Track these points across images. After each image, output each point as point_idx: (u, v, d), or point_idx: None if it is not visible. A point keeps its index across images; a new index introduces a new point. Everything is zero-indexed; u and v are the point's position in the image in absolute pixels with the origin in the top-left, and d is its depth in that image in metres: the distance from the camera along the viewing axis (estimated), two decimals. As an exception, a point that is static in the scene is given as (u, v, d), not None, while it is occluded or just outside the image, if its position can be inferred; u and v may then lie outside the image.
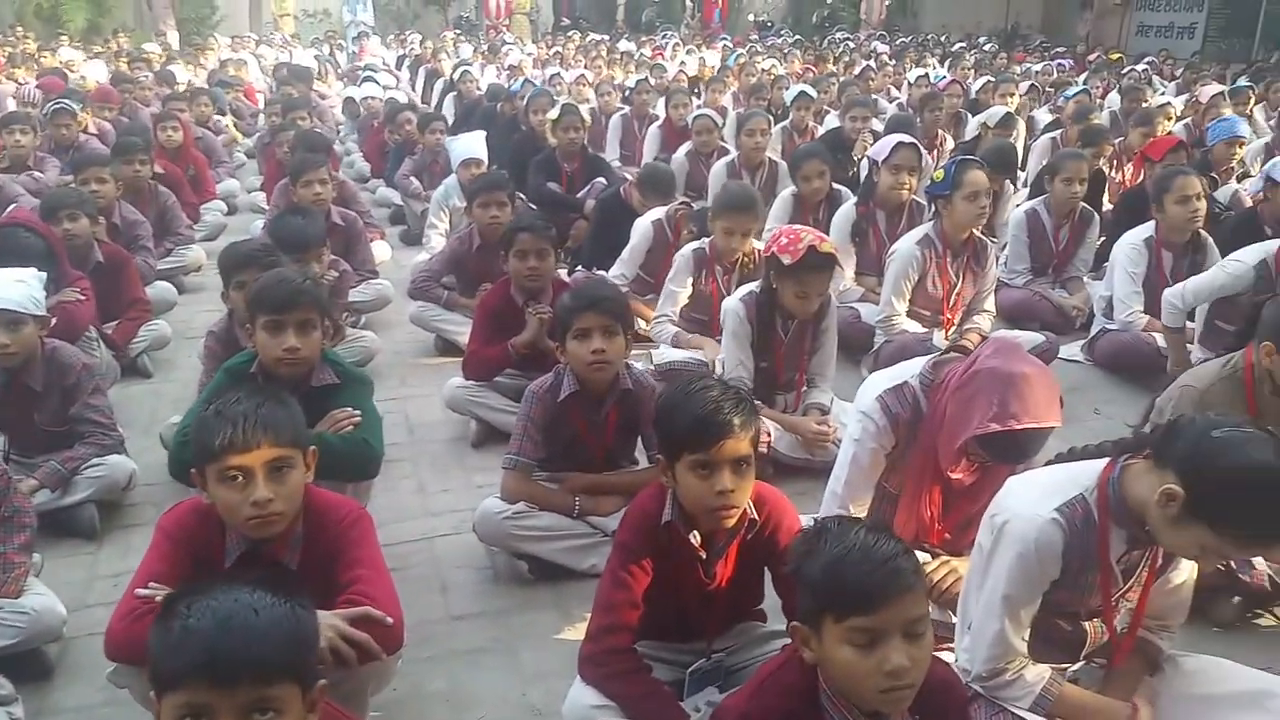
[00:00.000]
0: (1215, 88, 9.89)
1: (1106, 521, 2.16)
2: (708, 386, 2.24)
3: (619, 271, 5.00)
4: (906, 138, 5.10)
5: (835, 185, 5.69)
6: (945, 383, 2.61)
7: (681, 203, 5.01)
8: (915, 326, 4.53)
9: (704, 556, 2.33)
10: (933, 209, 4.48)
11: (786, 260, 3.53)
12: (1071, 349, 5.10)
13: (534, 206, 6.33)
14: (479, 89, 10.06)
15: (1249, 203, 6.04)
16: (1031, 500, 2.19)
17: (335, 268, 4.50)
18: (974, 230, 4.45)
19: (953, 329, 4.59)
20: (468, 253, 4.85)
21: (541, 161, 6.66)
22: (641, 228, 4.95)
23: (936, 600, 2.70)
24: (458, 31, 20.09)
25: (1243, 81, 12.11)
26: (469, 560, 3.30)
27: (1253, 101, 9.96)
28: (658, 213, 4.99)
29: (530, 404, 3.10)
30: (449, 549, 3.39)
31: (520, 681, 2.75)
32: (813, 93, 8.28)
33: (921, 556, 2.76)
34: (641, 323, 4.99)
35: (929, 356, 2.77)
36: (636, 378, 3.15)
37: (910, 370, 2.78)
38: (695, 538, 2.31)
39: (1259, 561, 2.90)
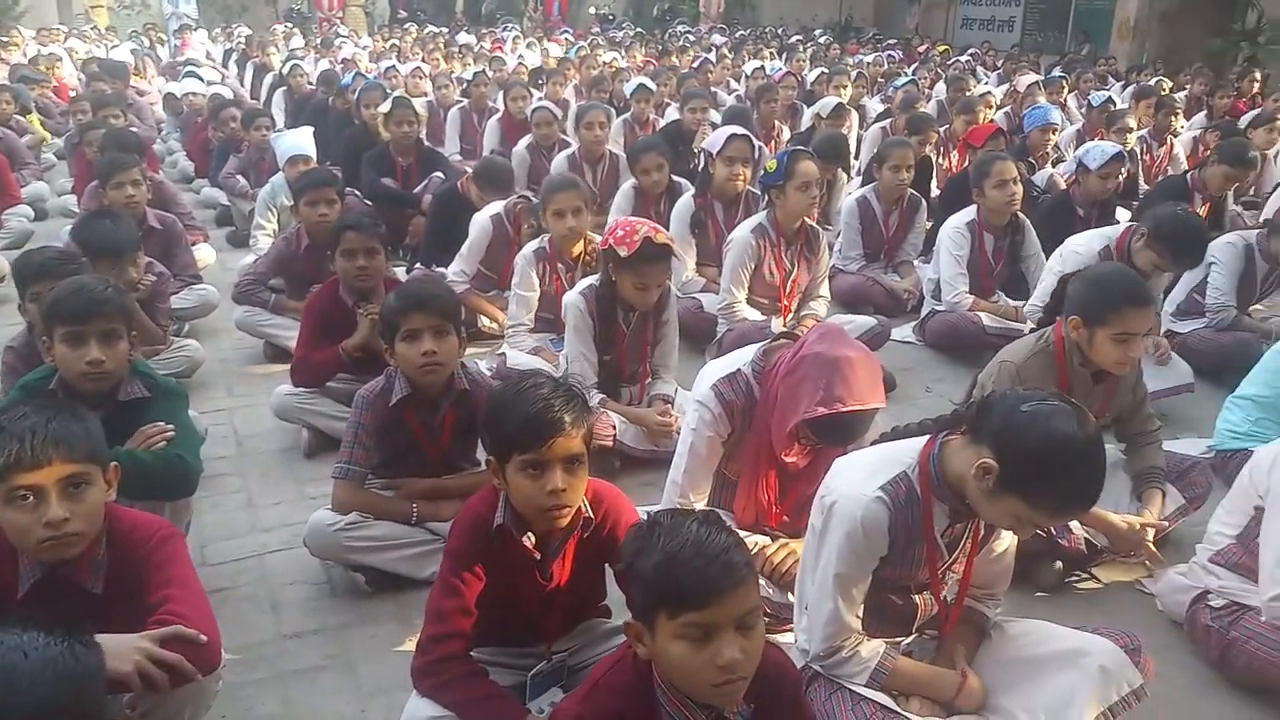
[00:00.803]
0: (1031, 77, 10.43)
1: (929, 497, 2.22)
2: (537, 384, 2.19)
3: (459, 268, 4.89)
4: (739, 130, 5.17)
5: (675, 178, 5.72)
6: (775, 369, 2.64)
7: (520, 197, 4.93)
8: (755, 314, 4.59)
9: (539, 558, 2.29)
10: (766, 199, 4.55)
11: (623, 252, 3.52)
12: (903, 330, 5.28)
13: (369, 203, 6.15)
14: (310, 83, 9.70)
15: (1063, 185, 6.39)
16: (857, 480, 2.23)
17: (152, 272, 4.24)
18: (806, 219, 4.54)
19: (790, 315, 4.68)
20: (295, 253, 4.65)
21: (375, 157, 6.47)
22: (480, 223, 4.86)
23: (777, 582, 2.74)
24: (289, 24, 19.34)
25: (1056, 72, 12.85)
26: (303, 576, 3.16)
27: (1065, 90, 10.56)
28: (496, 207, 4.90)
29: (360, 409, 2.98)
30: (281, 565, 3.23)
31: (359, 698, 2.64)
32: (652, 85, 8.32)
33: (761, 539, 2.82)
34: (485, 320, 4.92)
35: (760, 344, 2.80)
36: (473, 377, 3.07)
37: (743, 358, 2.81)
38: (529, 540, 2.26)
39: (1075, 526, 3.06)
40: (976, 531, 2.33)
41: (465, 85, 8.90)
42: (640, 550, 1.72)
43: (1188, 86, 12.29)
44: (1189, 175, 6.31)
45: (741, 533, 2.80)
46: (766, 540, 2.81)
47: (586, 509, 2.27)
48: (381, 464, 3.07)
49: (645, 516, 1.89)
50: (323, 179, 4.59)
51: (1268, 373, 3.66)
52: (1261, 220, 5.78)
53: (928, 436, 2.28)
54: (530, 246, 4.33)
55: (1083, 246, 4.35)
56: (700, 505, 2.81)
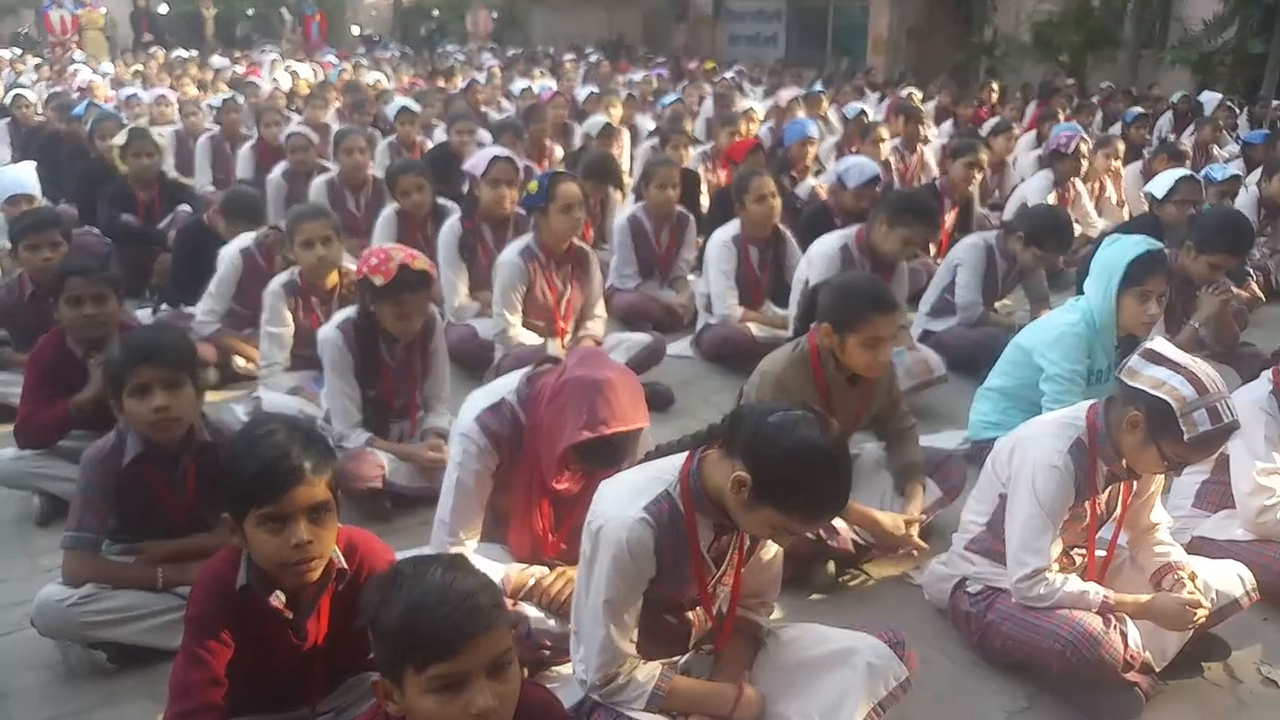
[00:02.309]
0: (792, 92, 10.90)
1: (693, 513, 2.22)
2: (272, 431, 2.04)
3: (207, 307, 4.57)
4: (503, 151, 5.10)
5: (441, 200, 5.59)
6: (540, 396, 2.58)
7: (272, 227, 4.66)
8: (532, 338, 4.53)
9: (291, 617, 2.12)
10: (532, 220, 4.50)
11: (379, 281, 3.37)
12: (681, 345, 5.35)
13: (110, 241, 5.68)
14: (38, 114, 8.91)
15: (823, 196, 6.67)
16: (620, 503, 2.21)
17: None
18: (574, 239, 4.52)
19: (568, 337, 4.64)
20: (19, 302, 4.20)
21: (113, 192, 5.97)
22: (228, 257, 4.56)
23: (556, 612, 2.67)
24: (17, 51, 17.75)
25: (817, 86, 13.50)
26: (37, 660, 2.84)
27: (826, 103, 11.10)
28: (246, 239, 4.62)
29: (89, 471, 2.70)
30: (10, 650, 2.89)
31: (102, 792, 2.39)
32: (416, 107, 8.14)
33: (539, 570, 2.75)
34: (240, 360, 4.63)
35: (522, 371, 2.74)
36: (215, 427, 2.85)
37: (507, 386, 2.73)
38: (278, 599, 2.09)
39: (843, 527, 3.15)
40: (742, 543, 2.34)
41: (216, 112, 8.41)
42: (382, 603, 1.61)
43: (936, 97, 13.19)
44: (937, 181, 6.74)
45: (518, 565, 2.74)
46: (545, 570, 2.75)
47: (339, 559, 2.13)
48: (121, 527, 2.80)
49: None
50: (44, 219, 4.18)
51: (1010, 364, 3.92)
52: (1001, 221, 6.23)
53: (688, 452, 2.28)
54: (279, 280, 4.09)
55: (824, 247, 4.56)
56: (472, 543, 2.71)
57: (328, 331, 3.56)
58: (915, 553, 3.21)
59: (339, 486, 2.12)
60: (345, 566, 2.14)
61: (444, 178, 6.34)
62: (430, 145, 7.82)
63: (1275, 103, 13.37)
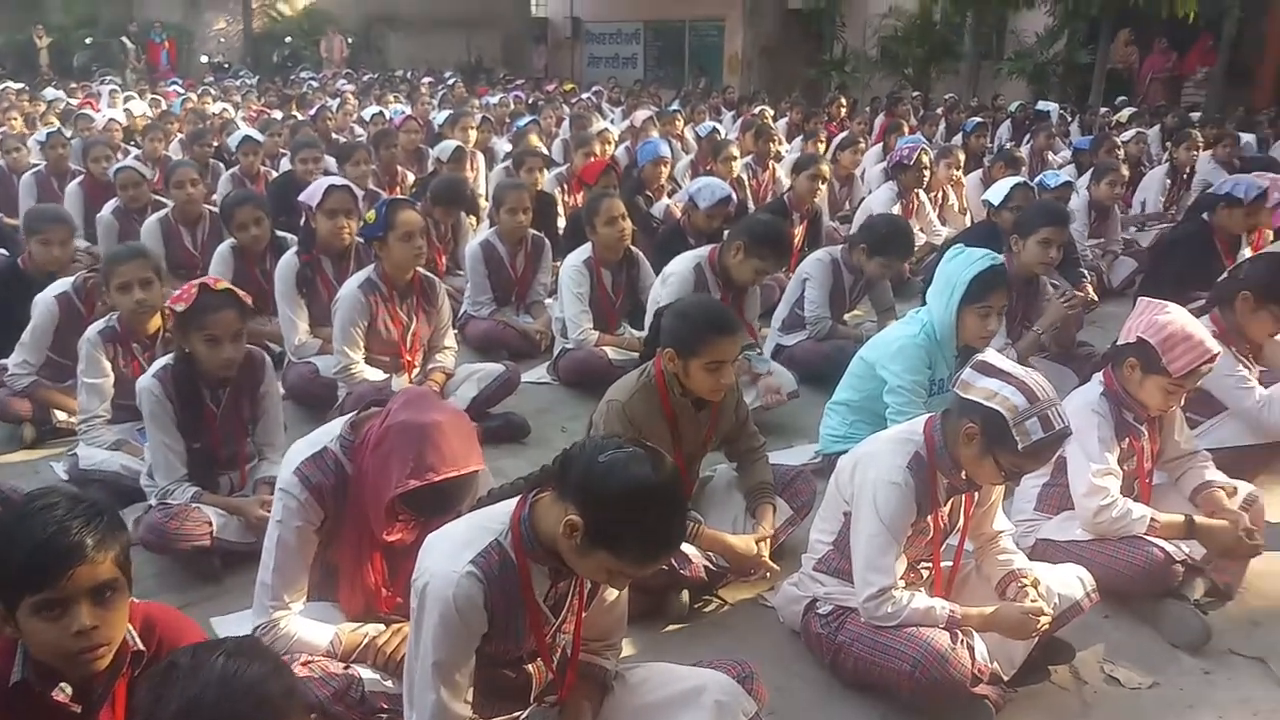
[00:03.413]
0: (646, 112, 10.93)
1: (525, 562, 2.12)
2: (49, 505, 1.84)
3: (21, 359, 4.23)
4: (339, 180, 4.91)
5: (281, 233, 5.35)
6: (365, 442, 2.44)
7: (92, 270, 4.36)
8: (376, 374, 4.35)
9: (80, 710, 1.92)
10: (373, 251, 4.33)
11: (181, 308, 3.18)
12: (538, 371, 5.25)
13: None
14: None
15: (678, 215, 6.67)
16: (447, 556, 2.09)
17: None
18: (418, 269, 4.37)
19: (416, 371, 4.49)
20: None
21: (-86, 238, 5.55)
22: (43, 303, 4.22)
23: (394, 671, 2.52)
24: None
25: (673, 105, 13.62)
26: None
27: (682, 123, 11.17)
28: (64, 284, 4.30)
29: None
30: None
31: None
32: (259, 137, 7.83)
33: (374, 628, 2.60)
34: (61, 414, 4.31)
35: (346, 417, 2.59)
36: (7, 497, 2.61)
37: (329, 433, 2.57)
38: (64, 691, 1.89)
39: (695, 554, 3.09)
40: (581, 588, 2.25)
41: (41, 147, 7.92)
42: (156, 701, 1.45)
43: (788, 114, 13.46)
44: (786, 195, 6.83)
45: (350, 625, 2.58)
46: (379, 628, 2.59)
47: (134, 641, 1.94)
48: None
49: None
50: None
51: (855, 377, 3.95)
52: (846, 236, 6.33)
53: (520, 497, 2.18)
54: (95, 327, 3.81)
55: (677, 268, 4.56)
56: (298, 605, 2.54)
57: (144, 381, 3.31)
58: (769, 574, 3.18)
59: (160, 549, 1.94)
60: (142, 648, 1.95)
61: (287, 209, 6.09)
62: (275, 175, 7.52)
63: (1103, 110, 14.11)
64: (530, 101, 14.95)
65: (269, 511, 3.26)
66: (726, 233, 5.01)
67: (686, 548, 3.03)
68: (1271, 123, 13.09)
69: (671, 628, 3.10)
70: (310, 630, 2.50)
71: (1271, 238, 5.58)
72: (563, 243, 6.34)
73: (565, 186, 7.60)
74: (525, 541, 2.10)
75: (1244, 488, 3.29)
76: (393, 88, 16.73)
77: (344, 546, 2.57)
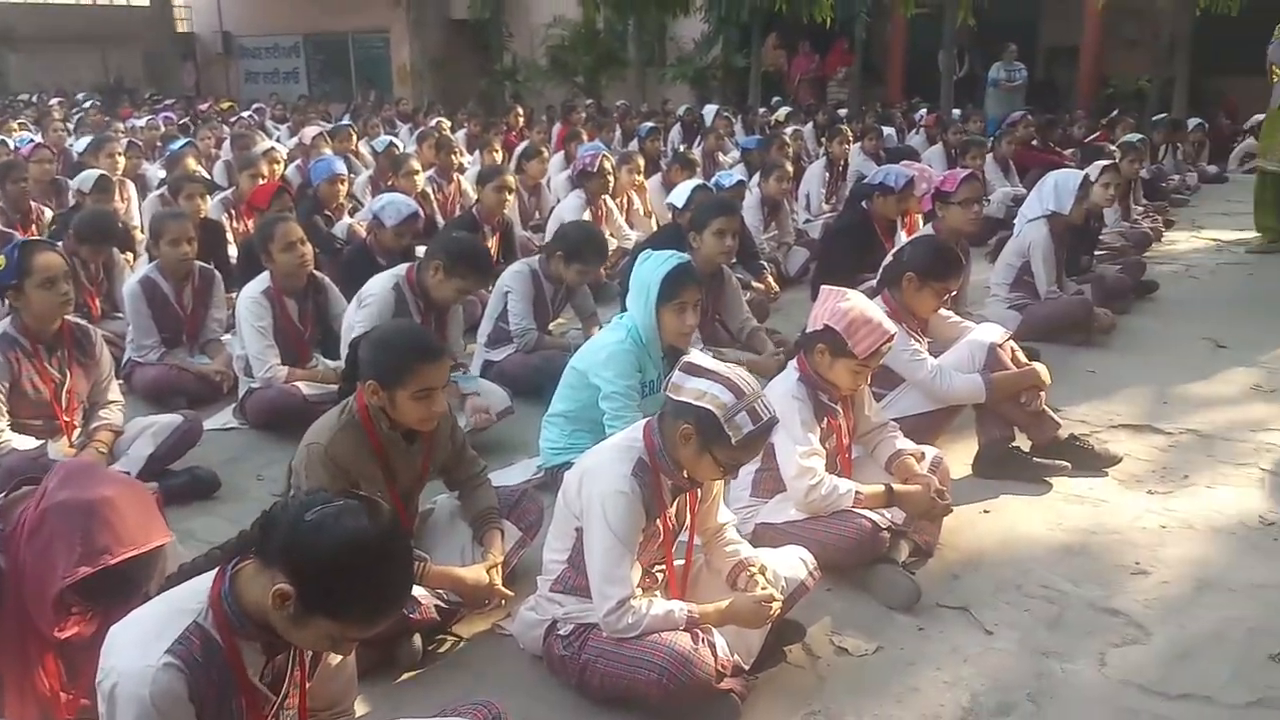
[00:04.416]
0: (315, 129, 10.41)
1: (233, 642, 1.87)
2: None
3: None
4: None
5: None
6: (18, 530, 2.07)
7: None
8: (27, 441, 3.78)
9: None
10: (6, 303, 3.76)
11: None
12: (223, 416, 4.80)
13: None
14: None
15: (362, 234, 6.36)
16: (137, 649, 1.81)
17: None
18: (66, 317, 3.85)
19: (77, 432, 3.94)
20: None
21: None
22: None
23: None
24: None
25: (345, 120, 13.08)
26: None
27: (355, 138, 10.73)
28: None
29: None
30: None
31: None
32: None
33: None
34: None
35: (-4, 499, 2.19)
36: None
37: (-29, 523, 2.16)
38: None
39: (423, 594, 2.91)
40: (302, 657, 2.03)
41: None
42: None
43: (466, 125, 13.33)
44: (475, 209, 6.70)
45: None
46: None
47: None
48: None
49: None
50: None
51: (569, 387, 3.90)
52: (541, 244, 6.32)
53: (217, 569, 1.92)
54: None
55: (375, 289, 4.36)
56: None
57: None
58: (504, 602, 3.06)
59: None
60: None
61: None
62: None
63: (762, 110, 15.13)
64: (183, 122, 13.86)
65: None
66: (422, 251, 4.82)
67: (415, 589, 2.84)
68: (904, 115, 14.61)
69: (406, 676, 2.90)
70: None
71: (922, 221, 6.14)
72: (236, 273, 5.85)
73: (233, 212, 7.05)
74: (230, 619, 1.85)
75: (929, 451, 3.56)
76: (15, 113, 14.90)
77: (5, 652, 2.18)
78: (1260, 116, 9.50)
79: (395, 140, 9.44)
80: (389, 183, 7.71)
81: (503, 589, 3.02)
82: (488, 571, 2.99)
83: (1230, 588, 3.27)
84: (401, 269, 4.44)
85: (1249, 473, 4.09)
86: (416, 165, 7.66)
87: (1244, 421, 4.60)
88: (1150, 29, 17.27)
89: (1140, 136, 9.23)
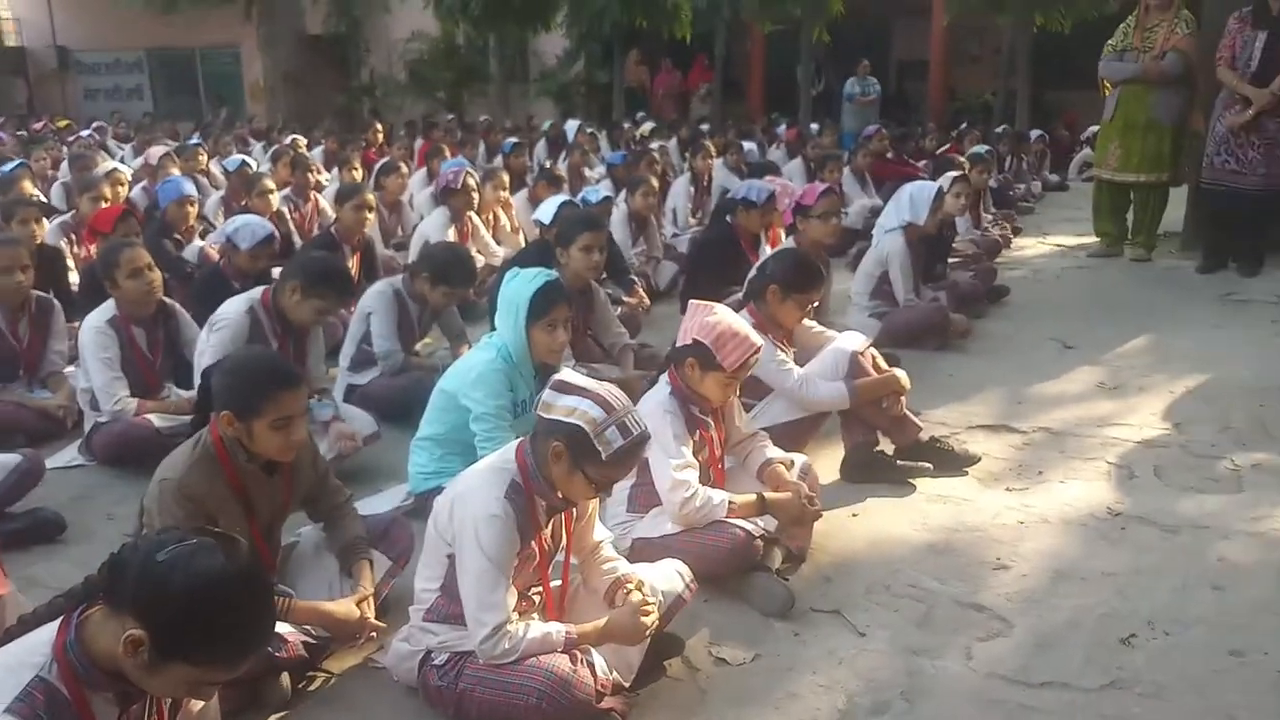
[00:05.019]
0: (162, 148, 9.98)
1: (82, 694, 1.75)
2: None
3: None
4: None
5: None
6: None
7: None
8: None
9: None
10: None
11: None
12: (67, 454, 4.52)
13: None
14: None
15: (215, 257, 6.11)
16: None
17: None
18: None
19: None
20: None
21: None
22: None
23: None
24: None
25: (194, 139, 12.57)
26: None
27: (206, 157, 10.32)
28: None
29: None
30: None
31: None
32: None
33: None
34: None
35: None
36: None
37: None
38: None
39: (289, 631, 2.78)
40: (160, 705, 1.91)
41: None
42: None
43: (324, 142, 12.99)
44: (333, 228, 6.52)
45: None
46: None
47: None
48: None
49: None
50: None
51: (438, 410, 3.82)
52: (406, 263, 6.19)
53: (62, 618, 1.80)
54: None
55: (230, 312, 4.21)
56: None
57: None
58: (375, 634, 2.96)
59: None
60: None
61: None
62: None
63: (627, 125, 15.26)
64: (15, 142, 13.09)
65: None
66: (277, 272, 4.66)
67: (280, 626, 2.72)
68: (765, 130, 14.96)
69: (275, 717, 2.77)
70: None
71: (785, 234, 6.27)
72: (78, 301, 5.52)
73: (73, 237, 6.66)
74: (76, 670, 1.74)
75: (798, 459, 3.63)
76: None
77: None
78: (1095, 128, 10.07)
79: (248, 159, 9.12)
80: (242, 203, 7.45)
81: (374, 621, 2.92)
82: (357, 604, 2.88)
83: (1083, 577, 3.43)
84: (256, 292, 4.29)
85: (1097, 466, 4.30)
86: (271, 184, 7.41)
87: (1091, 418, 4.84)
88: (992, 46, 18.22)
89: (987, 148, 9.67)
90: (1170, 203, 8.15)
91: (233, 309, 4.23)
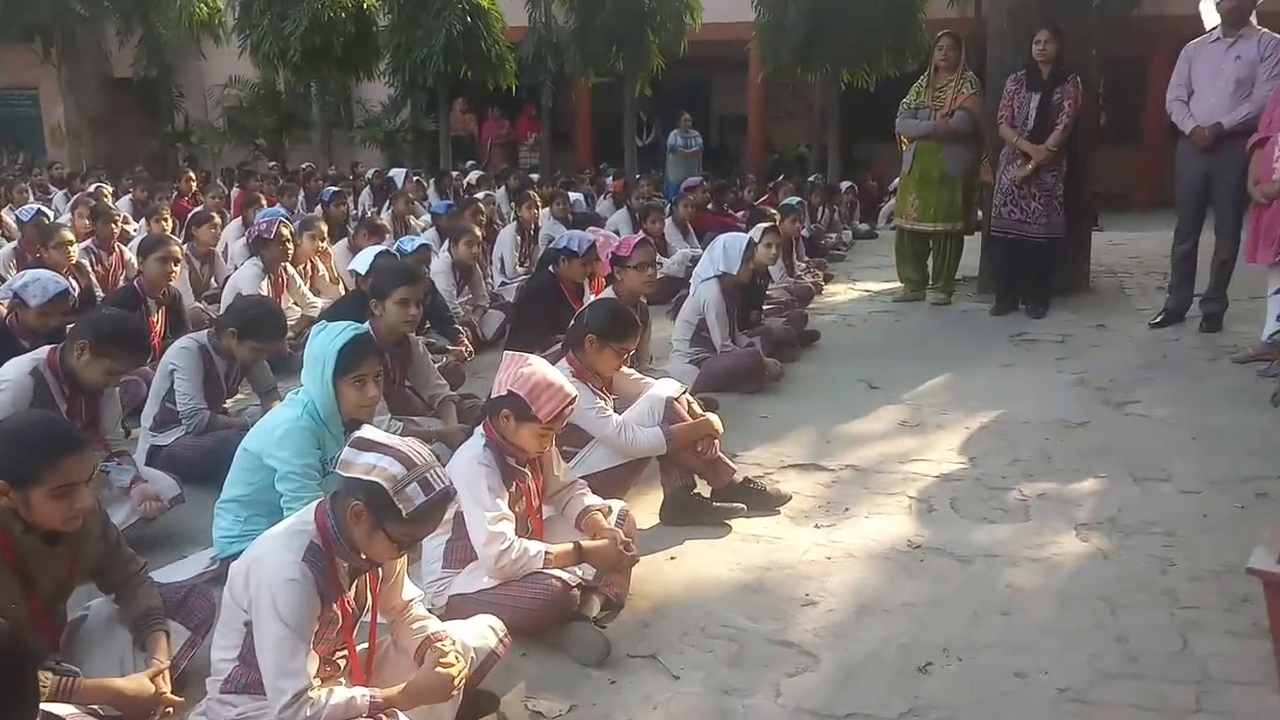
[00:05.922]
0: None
1: None
2: None
3: None
4: None
5: None
6: None
7: None
8: None
9: None
10: None
11: None
12: None
13: None
14: None
15: (4, 314, 5.72)
16: None
17: None
18: None
19: None
20: None
21: None
22: None
23: None
24: None
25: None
26: None
27: (-2, 206, 9.70)
28: None
29: None
30: None
31: None
32: None
33: None
34: None
35: None
36: None
37: None
38: None
39: (70, 712, 2.61)
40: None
41: None
42: None
43: (131, 190, 12.38)
44: (137, 281, 6.22)
45: None
46: None
47: None
48: None
49: None
50: None
51: (242, 470, 3.69)
52: (212, 320, 5.95)
53: None
54: None
55: (12, 374, 3.99)
56: None
57: None
58: (171, 710, 2.81)
59: None
60: None
61: None
62: None
63: (454, 173, 15.19)
64: None
65: None
66: (69, 329, 4.40)
67: (62, 708, 2.54)
68: (592, 181, 15.17)
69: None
70: None
71: (607, 283, 6.38)
72: None
73: None
74: None
75: (616, 505, 3.68)
76: None
77: None
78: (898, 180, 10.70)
79: (44, 209, 8.60)
80: (37, 255, 7.01)
81: (170, 695, 2.77)
82: (152, 679, 2.73)
83: (885, 609, 3.59)
84: (42, 352, 4.05)
85: (899, 501, 4.53)
86: (69, 235, 7.00)
87: (894, 454, 5.10)
88: (806, 101, 19.12)
89: (799, 199, 10.12)
90: (966, 250, 8.71)
91: (14, 370, 3.98)
